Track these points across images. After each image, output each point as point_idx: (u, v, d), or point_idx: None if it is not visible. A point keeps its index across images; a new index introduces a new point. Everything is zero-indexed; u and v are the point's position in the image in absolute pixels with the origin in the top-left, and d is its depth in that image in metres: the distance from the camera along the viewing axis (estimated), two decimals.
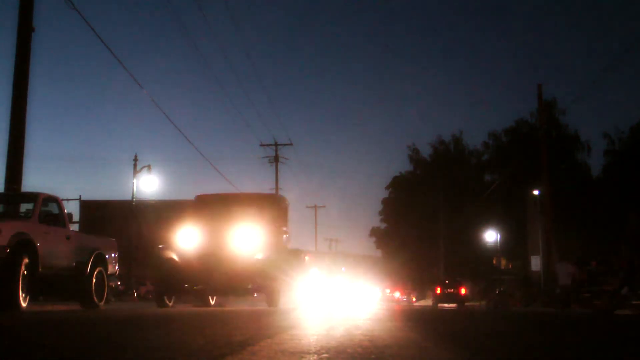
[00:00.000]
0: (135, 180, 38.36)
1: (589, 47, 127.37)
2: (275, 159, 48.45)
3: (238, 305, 22.79)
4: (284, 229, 18.65)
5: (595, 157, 77.60)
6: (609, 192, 45.33)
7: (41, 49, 44.13)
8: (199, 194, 18.56)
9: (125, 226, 44.47)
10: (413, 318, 11.24)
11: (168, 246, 16.03)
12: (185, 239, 15.96)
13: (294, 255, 19.80)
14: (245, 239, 15.79)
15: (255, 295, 18.31)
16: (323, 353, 4.15)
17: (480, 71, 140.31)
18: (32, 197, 13.17)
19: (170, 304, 16.04)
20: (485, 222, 51.29)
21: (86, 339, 5.12)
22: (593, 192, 47.31)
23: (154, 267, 16.40)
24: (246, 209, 18.21)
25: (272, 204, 18.52)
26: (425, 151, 67.64)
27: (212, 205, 18.08)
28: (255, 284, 15.95)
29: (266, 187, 47.51)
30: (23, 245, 11.18)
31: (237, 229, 16.07)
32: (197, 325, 6.82)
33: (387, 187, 72.06)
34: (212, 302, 19.10)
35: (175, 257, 15.64)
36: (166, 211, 43.06)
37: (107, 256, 14.63)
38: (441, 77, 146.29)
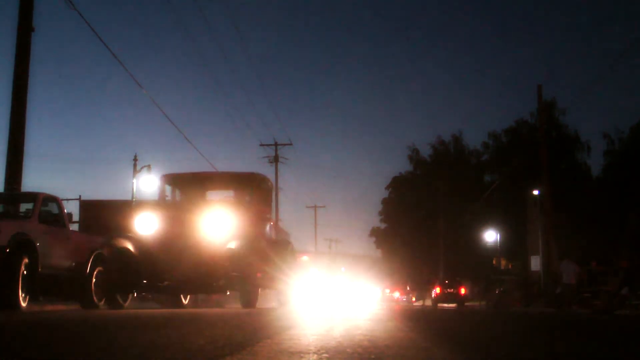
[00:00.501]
0: (135, 180, 38.32)
1: (589, 48, 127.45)
2: (275, 159, 48.45)
3: (200, 306, 21.20)
4: (267, 215, 16.12)
5: (595, 157, 77.65)
6: (609, 193, 45.34)
7: (41, 49, 44.15)
8: (165, 173, 15.96)
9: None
10: (413, 318, 11.24)
11: (122, 234, 13.65)
12: (144, 226, 13.45)
13: (281, 245, 17.02)
14: (216, 225, 13.28)
15: (228, 293, 15.37)
16: (323, 353, 4.15)
17: (481, 71, 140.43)
18: (32, 197, 13.17)
19: (126, 304, 13.61)
20: (485, 222, 51.29)
21: (86, 340, 5.11)
22: (593, 192, 47.32)
23: (104, 259, 13.65)
24: (219, 190, 16.49)
25: (251, 185, 15.79)
26: (425, 151, 67.65)
27: (180, 186, 15.86)
28: (227, 280, 13.21)
29: None
30: (23, 245, 11.19)
31: (206, 213, 13.61)
32: (196, 326, 6.82)
33: (387, 187, 72.11)
34: (185, 302, 16.85)
35: (130, 247, 13.12)
36: None
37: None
38: (441, 77, 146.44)
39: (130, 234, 13.52)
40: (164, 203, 15.13)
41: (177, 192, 16.00)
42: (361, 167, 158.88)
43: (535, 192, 39.35)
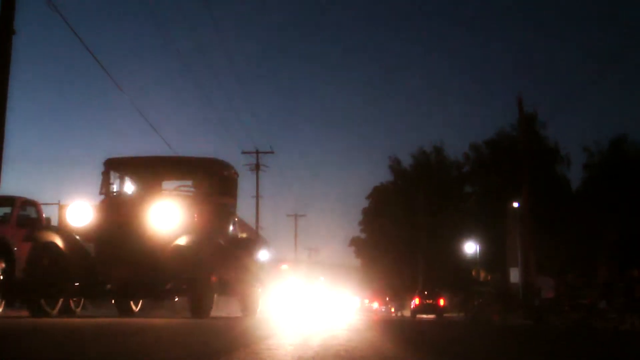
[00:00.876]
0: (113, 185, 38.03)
1: (571, 61, 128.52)
2: (257, 167, 48.33)
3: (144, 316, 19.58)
4: (230, 209, 14.10)
5: (575, 170, 78.23)
6: (588, 206, 45.64)
7: (22, 51, 43.87)
8: (109, 157, 13.55)
9: None
10: (391, 329, 11.22)
11: (49, 226, 11.95)
12: (77, 217, 11.38)
13: (246, 245, 15.05)
14: (162, 217, 11.20)
15: (177, 299, 12.89)
16: None
17: (463, 83, 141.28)
18: (10, 200, 13.06)
19: (55, 312, 11.45)
20: (465, 234, 51.44)
21: (61, 348, 5.05)
22: (572, 205, 47.60)
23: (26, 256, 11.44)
24: (173, 178, 14.34)
25: (210, 172, 13.60)
26: (407, 162, 67.86)
27: (128, 173, 13.68)
28: (176, 283, 11.07)
29: (247, 195, 47.41)
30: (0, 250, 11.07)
31: (151, 202, 11.49)
32: (173, 335, 6.77)
33: (367, 197, 72.25)
34: (136, 309, 14.65)
35: (59, 242, 11.04)
36: None
37: None
38: (424, 87, 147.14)
39: (58, 227, 11.45)
40: (105, 191, 12.83)
41: (126, 181, 13.80)
42: (342, 177, 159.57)
43: (515, 204, 39.54)
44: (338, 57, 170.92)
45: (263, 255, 16.19)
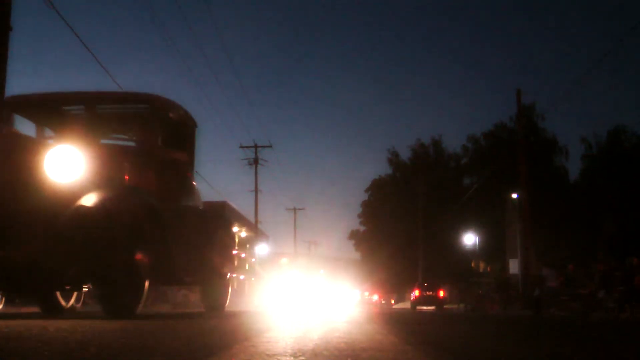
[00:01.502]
0: None
1: (569, 53, 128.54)
2: (255, 161, 48.35)
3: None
4: (184, 168, 10.30)
5: (573, 161, 78.35)
6: (586, 196, 45.70)
7: (19, 47, 43.84)
8: (14, 94, 10.11)
9: None
10: (391, 321, 11.23)
11: None
12: None
13: (204, 215, 11.32)
14: (61, 168, 7.32)
15: (86, 288, 8.73)
16: (299, 355, 4.13)
17: (461, 75, 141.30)
18: None
19: None
20: (464, 225, 51.50)
21: (63, 343, 5.05)
22: (571, 196, 47.66)
23: None
24: (90, 121, 10.18)
25: (150, 115, 9.65)
26: (405, 154, 67.94)
27: (36, 116, 10.22)
28: (83, 265, 7.40)
29: (245, 190, 47.51)
30: None
31: (50, 148, 7.54)
32: (172, 329, 6.77)
33: (366, 190, 72.30)
34: (68, 304, 11.09)
35: None
36: None
37: None
38: (422, 80, 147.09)
39: None
40: None
41: (41, 129, 10.36)
42: (341, 170, 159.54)
43: (514, 196, 39.59)
44: (337, 50, 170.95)
45: (229, 229, 12.95)
